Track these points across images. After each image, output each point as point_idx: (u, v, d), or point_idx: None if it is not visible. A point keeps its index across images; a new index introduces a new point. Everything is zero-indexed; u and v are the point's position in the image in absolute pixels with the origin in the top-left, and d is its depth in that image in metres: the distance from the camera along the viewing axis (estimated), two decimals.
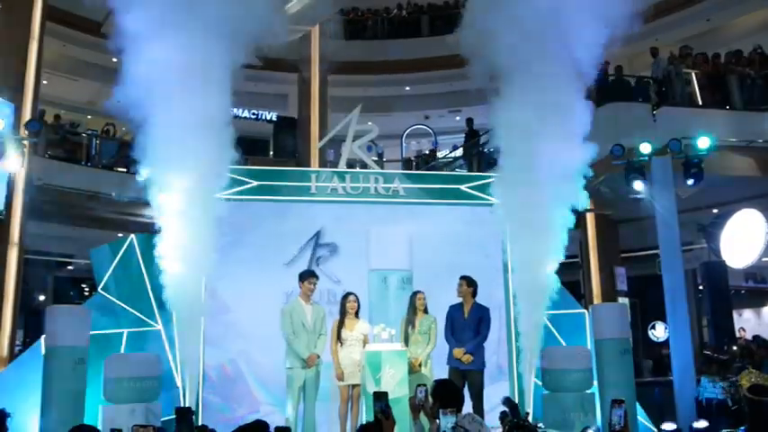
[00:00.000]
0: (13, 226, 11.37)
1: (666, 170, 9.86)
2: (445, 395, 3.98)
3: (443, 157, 16.24)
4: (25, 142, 9.91)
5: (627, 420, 3.24)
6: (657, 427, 8.52)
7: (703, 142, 9.69)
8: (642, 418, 8.55)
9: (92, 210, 12.68)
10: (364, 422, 3.90)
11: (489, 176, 8.60)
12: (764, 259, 12.75)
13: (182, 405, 7.28)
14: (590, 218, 13.59)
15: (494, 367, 8.15)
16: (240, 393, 7.90)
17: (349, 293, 7.05)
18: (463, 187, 8.55)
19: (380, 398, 3.58)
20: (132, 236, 8.35)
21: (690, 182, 9.84)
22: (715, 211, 13.00)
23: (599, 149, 10.48)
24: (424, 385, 3.63)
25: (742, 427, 3.59)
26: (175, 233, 6.58)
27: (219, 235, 7.40)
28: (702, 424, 8.36)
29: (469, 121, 15.82)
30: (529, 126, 7.00)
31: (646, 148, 9.81)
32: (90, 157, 13.77)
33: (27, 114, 11.53)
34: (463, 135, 16.04)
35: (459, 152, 15.60)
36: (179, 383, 7.56)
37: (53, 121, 14.16)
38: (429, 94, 18.31)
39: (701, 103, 12.05)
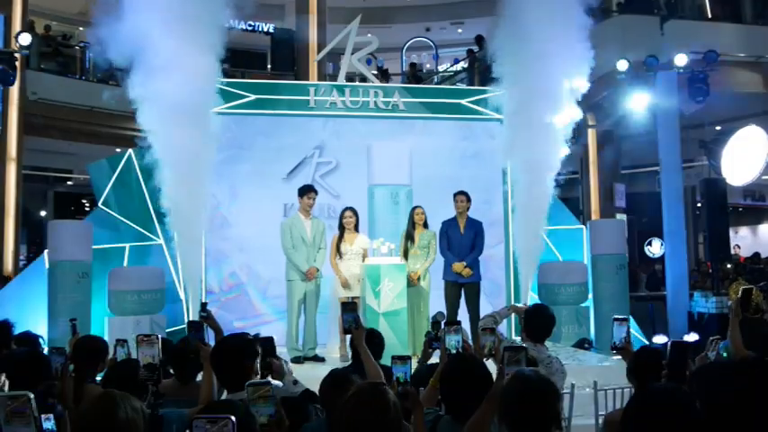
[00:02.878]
0: (9, 141, 11.29)
1: (671, 85, 9.70)
2: (538, 324, 4.01)
3: (445, 71, 15.91)
4: (17, 55, 9.68)
5: (629, 338, 3.28)
6: (649, 339, 8.75)
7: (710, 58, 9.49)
8: (634, 330, 8.77)
9: (88, 124, 12.55)
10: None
11: (490, 91, 8.45)
12: (764, 177, 12.73)
13: (186, 317, 7.46)
14: (591, 133, 13.49)
15: (491, 281, 8.29)
16: (242, 305, 8.07)
17: (347, 208, 7.07)
18: (464, 102, 8.42)
19: (351, 309, 3.59)
20: (130, 150, 8.30)
21: (694, 97, 9.69)
22: (718, 128, 12.88)
23: (604, 63, 10.32)
24: (492, 331, 3.41)
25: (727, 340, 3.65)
26: (170, 147, 6.50)
27: (218, 149, 7.35)
28: (693, 337, 8.58)
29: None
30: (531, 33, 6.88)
31: (651, 63, 9.61)
32: (84, 70, 13.50)
33: (17, 26, 11.22)
34: (465, 50, 15.65)
35: (461, 65, 15.26)
36: (182, 296, 7.70)
37: (43, 33, 13.80)
38: (430, 5, 17.77)
39: (710, 16, 11.71)
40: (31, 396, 1.67)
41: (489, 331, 3.34)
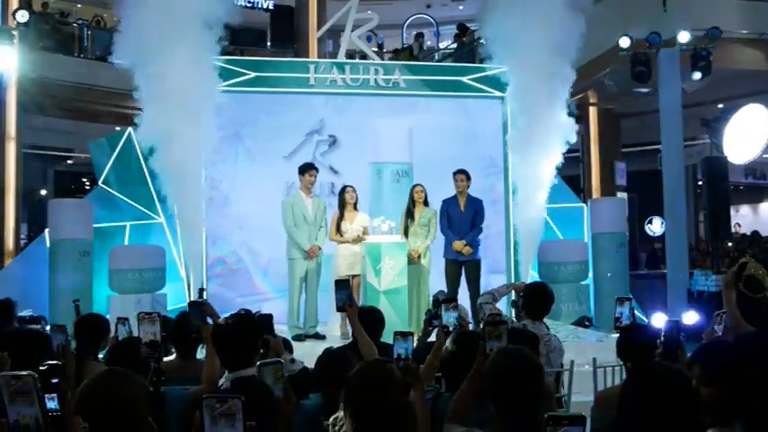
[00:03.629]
0: (9, 120, 11.25)
1: (673, 63, 9.61)
2: (537, 302, 4.02)
3: (446, 48, 15.79)
4: (15, 33, 9.62)
5: (634, 317, 3.31)
6: (648, 318, 8.78)
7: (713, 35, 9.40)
8: (634, 309, 8.79)
9: (88, 102, 12.49)
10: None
11: (492, 68, 8.39)
12: (766, 155, 12.69)
13: (187, 295, 7.49)
14: (592, 111, 13.43)
15: (491, 259, 8.30)
16: (242, 283, 8.10)
17: (346, 186, 7.06)
18: (465, 79, 8.37)
19: (344, 286, 3.60)
20: (130, 129, 8.27)
21: (697, 75, 9.62)
22: (720, 106, 12.80)
23: (605, 40, 10.25)
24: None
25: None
26: (168, 125, 6.49)
27: (218, 127, 7.36)
28: (693, 318, 8.62)
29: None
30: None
31: (654, 40, 9.52)
32: (82, 48, 13.40)
33: (14, 3, 11.14)
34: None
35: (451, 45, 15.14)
36: (183, 275, 7.72)
37: (41, 10, 13.67)
38: None
39: None
40: (35, 376, 1.66)
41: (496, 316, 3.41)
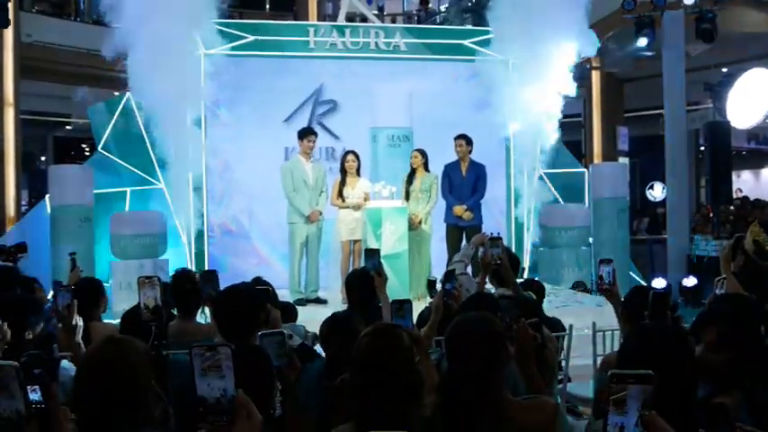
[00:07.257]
0: (6, 85, 11.15)
1: (677, 26, 9.47)
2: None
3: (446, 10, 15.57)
4: None
5: (615, 278, 3.31)
6: (648, 282, 8.82)
7: None
8: (633, 273, 8.84)
9: (85, 67, 12.36)
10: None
11: (494, 32, 8.27)
12: None
13: (188, 260, 7.51)
14: (595, 76, 13.30)
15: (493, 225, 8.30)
16: (244, 249, 8.11)
17: (348, 151, 7.02)
18: (467, 42, 8.26)
19: (373, 255, 3.66)
20: (129, 93, 8.20)
21: (702, 39, 9.48)
22: (724, 70, 12.67)
23: (609, 3, 10.10)
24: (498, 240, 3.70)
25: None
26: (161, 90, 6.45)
27: (217, 91, 7.31)
28: (692, 281, 8.66)
29: None
30: None
31: (657, 2, 9.36)
32: (78, 11, 13.23)
33: None
34: None
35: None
36: (184, 240, 7.73)
37: None
38: None
39: None
40: (17, 366, 1.55)
41: (497, 241, 3.67)
